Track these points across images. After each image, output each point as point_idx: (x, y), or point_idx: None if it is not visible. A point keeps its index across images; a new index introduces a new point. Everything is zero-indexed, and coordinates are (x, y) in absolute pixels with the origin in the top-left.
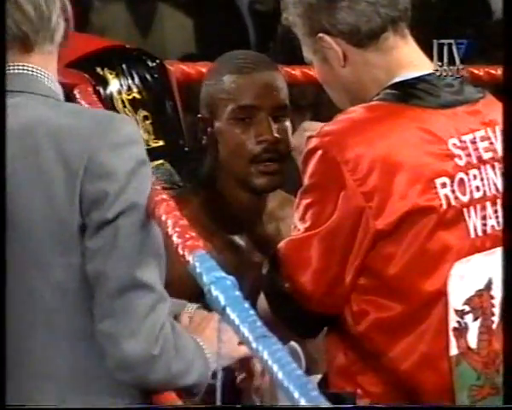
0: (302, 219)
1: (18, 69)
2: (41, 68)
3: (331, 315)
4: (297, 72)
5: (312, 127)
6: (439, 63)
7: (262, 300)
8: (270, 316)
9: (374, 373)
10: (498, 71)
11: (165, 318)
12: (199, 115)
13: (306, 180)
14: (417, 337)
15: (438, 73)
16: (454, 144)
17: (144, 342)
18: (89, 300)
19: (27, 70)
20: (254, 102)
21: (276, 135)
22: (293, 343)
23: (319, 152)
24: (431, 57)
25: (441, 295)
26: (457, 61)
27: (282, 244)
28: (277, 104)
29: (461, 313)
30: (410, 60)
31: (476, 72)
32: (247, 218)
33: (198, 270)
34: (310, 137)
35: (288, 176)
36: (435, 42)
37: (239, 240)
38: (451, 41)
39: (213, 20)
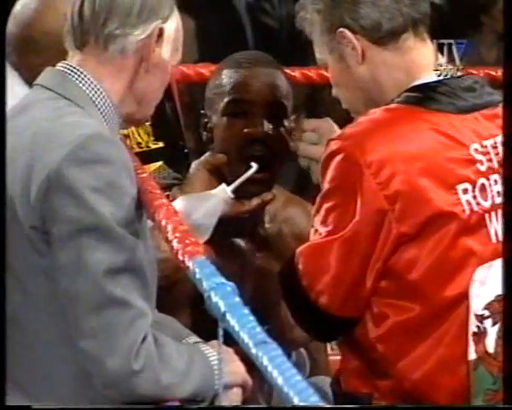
0: (324, 222)
1: (58, 66)
2: (79, 68)
3: (351, 319)
4: (296, 73)
5: (310, 126)
6: (439, 63)
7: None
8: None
9: (391, 376)
10: (498, 72)
11: (146, 332)
12: (201, 111)
13: (327, 184)
14: (436, 341)
15: (438, 73)
16: (476, 149)
17: (125, 358)
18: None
19: (63, 67)
20: (247, 96)
21: (266, 131)
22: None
23: (341, 155)
24: None
25: (463, 299)
26: (457, 61)
27: (301, 249)
28: (272, 101)
29: (481, 318)
30: (429, 62)
31: (475, 73)
32: (247, 218)
33: (198, 276)
34: (330, 140)
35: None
36: (435, 42)
37: (240, 242)
38: (451, 41)
39: (211, 22)
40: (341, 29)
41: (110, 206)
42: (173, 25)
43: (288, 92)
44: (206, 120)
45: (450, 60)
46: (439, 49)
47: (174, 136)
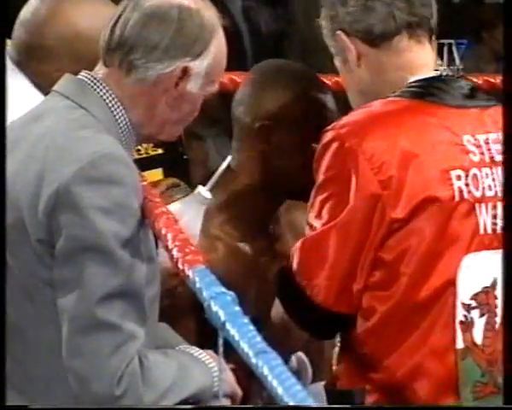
0: (318, 215)
1: (81, 74)
2: (103, 81)
3: (347, 315)
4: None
5: None
6: (439, 63)
7: (277, 306)
8: (284, 323)
9: (384, 368)
10: (497, 79)
11: (132, 356)
12: (266, 122)
13: (322, 175)
14: (426, 330)
15: (438, 73)
16: (468, 141)
17: (107, 383)
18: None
19: (85, 76)
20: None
21: None
22: (300, 354)
23: (335, 144)
24: None
25: (450, 286)
26: (457, 60)
27: (298, 244)
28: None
29: (467, 307)
30: (425, 62)
31: (475, 80)
32: (261, 224)
33: (198, 285)
34: (325, 131)
35: None
36: (434, 40)
37: (244, 246)
38: (451, 41)
39: None
40: (338, 32)
41: (115, 226)
42: (206, 60)
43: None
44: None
45: (451, 60)
46: (439, 49)
47: (173, 143)
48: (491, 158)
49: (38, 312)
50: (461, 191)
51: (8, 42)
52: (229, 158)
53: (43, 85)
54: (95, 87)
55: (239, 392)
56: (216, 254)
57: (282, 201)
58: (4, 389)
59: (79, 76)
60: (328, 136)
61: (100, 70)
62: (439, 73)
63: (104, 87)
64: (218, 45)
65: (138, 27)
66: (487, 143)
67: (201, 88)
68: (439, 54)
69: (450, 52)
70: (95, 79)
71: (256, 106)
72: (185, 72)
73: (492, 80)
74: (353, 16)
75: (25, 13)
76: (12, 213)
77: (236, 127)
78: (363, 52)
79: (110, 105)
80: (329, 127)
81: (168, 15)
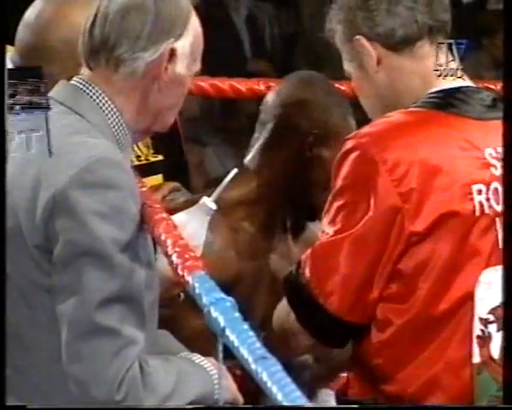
0: (332, 221)
1: (73, 80)
2: (93, 84)
3: (360, 324)
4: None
5: None
6: (439, 63)
7: (279, 311)
8: (284, 329)
9: (397, 381)
10: (497, 86)
11: (132, 360)
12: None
13: (340, 181)
14: (443, 344)
15: (438, 74)
16: (490, 154)
17: (107, 388)
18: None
19: (78, 82)
20: None
21: None
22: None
23: (356, 153)
24: None
25: (468, 300)
26: (457, 61)
27: (309, 251)
28: None
29: (485, 322)
30: None
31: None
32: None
33: (197, 291)
34: (346, 140)
35: None
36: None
37: (259, 240)
38: (451, 41)
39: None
40: (358, 36)
41: (113, 231)
42: (188, 39)
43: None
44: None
45: (450, 60)
46: (439, 49)
47: (174, 149)
48: None
49: (37, 318)
50: (482, 206)
51: (9, 48)
52: (235, 170)
53: (47, 88)
54: (87, 91)
55: (240, 399)
56: (233, 247)
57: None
58: (4, 390)
59: (72, 81)
60: (348, 144)
61: (85, 73)
62: (439, 73)
63: (97, 91)
64: (195, 24)
65: (118, 21)
66: None
67: (188, 68)
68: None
69: (450, 52)
70: (87, 83)
71: (309, 115)
72: (172, 54)
73: (493, 87)
74: (374, 20)
75: (29, 15)
76: (9, 218)
77: (271, 129)
78: (384, 57)
79: (104, 108)
80: (351, 136)
81: (144, 3)
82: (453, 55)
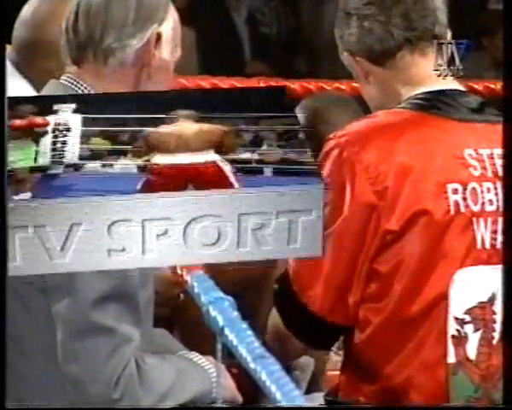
0: None
1: (62, 79)
2: (80, 81)
3: (343, 326)
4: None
5: None
6: (439, 63)
7: (273, 316)
8: (279, 334)
9: (377, 381)
10: (497, 85)
11: (129, 358)
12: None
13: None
14: (418, 343)
15: (438, 73)
16: (470, 155)
17: (104, 386)
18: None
19: (66, 80)
20: None
21: None
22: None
23: (335, 152)
24: None
25: (442, 300)
26: (457, 61)
27: None
28: None
29: (461, 322)
30: (430, 74)
31: (475, 86)
32: None
33: (196, 290)
34: (327, 140)
35: None
36: (435, 42)
37: None
38: (451, 41)
39: (210, 35)
40: (345, 53)
41: None
42: (170, 24)
43: None
44: None
45: (450, 60)
46: (439, 49)
47: None
48: (495, 173)
49: (33, 320)
50: (457, 205)
51: (7, 47)
52: None
53: (43, 85)
54: (76, 89)
55: (239, 398)
56: None
57: None
58: (4, 390)
59: (61, 80)
60: (329, 144)
61: (73, 72)
62: (439, 73)
63: (85, 87)
64: (174, 9)
65: (102, 13)
66: (491, 157)
67: (171, 53)
68: (439, 54)
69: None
70: (75, 80)
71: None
72: (158, 38)
73: (493, 86)
74: (355, 37)
75: (25, 12)
76: None
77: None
78: (370, 70)
79: None
80: (331, 135)
81: None
82: (453, 56)
